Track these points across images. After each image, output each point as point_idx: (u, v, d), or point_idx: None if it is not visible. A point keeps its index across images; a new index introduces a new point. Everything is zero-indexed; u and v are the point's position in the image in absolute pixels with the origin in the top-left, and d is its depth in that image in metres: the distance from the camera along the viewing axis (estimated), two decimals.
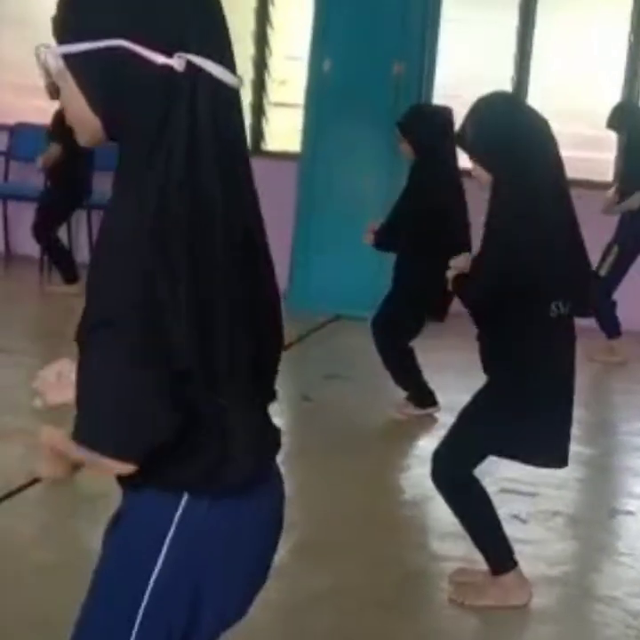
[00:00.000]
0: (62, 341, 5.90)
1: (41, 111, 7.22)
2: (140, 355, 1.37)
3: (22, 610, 3.03)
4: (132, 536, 1.54)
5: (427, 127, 5.01)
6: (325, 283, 7.06)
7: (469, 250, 4.73)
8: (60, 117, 7.04)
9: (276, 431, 1.61)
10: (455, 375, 5.60)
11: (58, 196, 7.20)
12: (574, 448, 4.76)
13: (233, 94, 1.45)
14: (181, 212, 1.36)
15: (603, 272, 6.35)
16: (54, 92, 1.47)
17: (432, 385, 5.19)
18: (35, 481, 3.84)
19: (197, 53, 1.39)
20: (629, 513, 4.23)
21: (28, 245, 7.70)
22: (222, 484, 1.48)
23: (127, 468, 1.42)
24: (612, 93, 6.61)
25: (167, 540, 1.49)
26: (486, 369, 3.26)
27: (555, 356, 3.17)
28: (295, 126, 7.47)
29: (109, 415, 1.40)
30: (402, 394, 5.19)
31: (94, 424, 1.42)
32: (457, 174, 4.99)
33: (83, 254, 7.50)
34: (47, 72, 1.46)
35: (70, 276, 7.14)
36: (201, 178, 1.38)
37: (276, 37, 7.89)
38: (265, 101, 7.94)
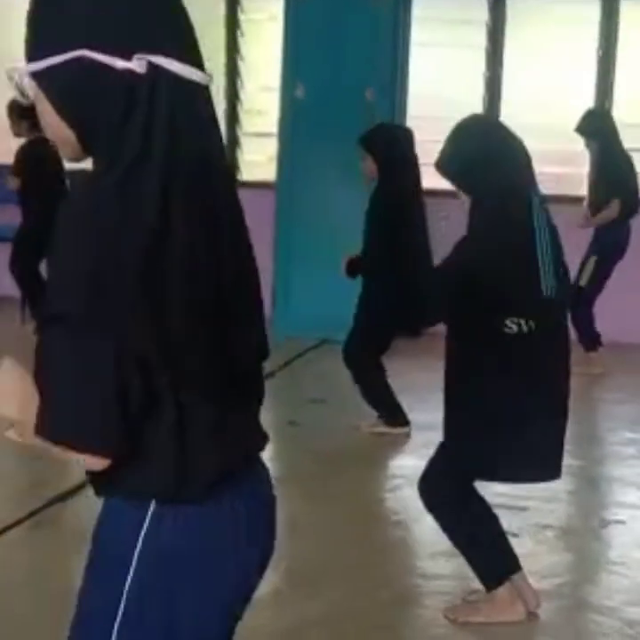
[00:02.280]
0: None
1: (10, 152, 7.23)
2: (101, 347, 1.35)
3: None
4: (105, 547, 1.53)
5: (393, 144, 5.06)
6: (309, 308, 7.08)
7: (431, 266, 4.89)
8: (21, 153, 7.13)
9: (259, 433, 1.60)
10: (429, 394, 5.64)
11: (30, 230, 7.12)
12: (564, 460, 4.82)
13: (200, 89, 1.45)
14: (147, 226, 1.36)
15: (583, 282, 6.40)
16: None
17: (407, 405, 5.21)
18: (18, 522, 3.80)
19: (158, 53, 1.40)
20: (620, 522, 4.25)
21: (7, 286, 7.67)
22: (187, 490, 1.46)
23: (103, 464, 1.39)
24: (583, 108, 6.66)
25: (134, 557, 1.47)
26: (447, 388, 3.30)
27: (513, 374, 3.17)
28: (272, 156, 7.54)
29: (77, 409, 1.37)
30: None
31: (63, 419, 1.38)
32: (419, 192, 5.05)
33: None
34: (23, 94, 1.46)
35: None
36: (154, 178, 1.38)
37: (250, 69, 7.94)
38: (239, 132, 7.99)
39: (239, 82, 7.94)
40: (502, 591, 3.30)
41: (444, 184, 3.31)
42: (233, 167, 1.65)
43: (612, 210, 6.44)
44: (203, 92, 1.47)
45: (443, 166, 3.24)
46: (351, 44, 7.08)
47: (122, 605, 1.48)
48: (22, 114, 6.92)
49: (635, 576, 3.71)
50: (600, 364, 6.60)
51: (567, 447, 5.02)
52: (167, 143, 1.39)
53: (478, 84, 7.58)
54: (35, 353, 1.40)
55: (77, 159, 1.50)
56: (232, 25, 7.83)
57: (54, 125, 1.46)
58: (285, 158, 7.36)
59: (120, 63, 1.38)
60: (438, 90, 7.55)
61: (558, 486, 4.52)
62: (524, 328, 3.12)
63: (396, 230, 4.89)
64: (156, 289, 1.37)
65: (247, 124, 8.00)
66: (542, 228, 3.17)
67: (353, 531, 4.05)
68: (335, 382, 5.84)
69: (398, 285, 4.65)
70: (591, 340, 6.60)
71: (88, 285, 1.34)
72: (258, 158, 8.00)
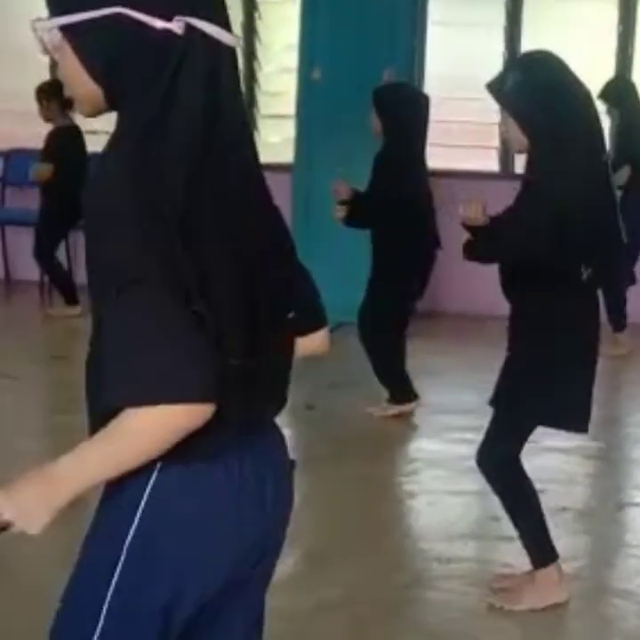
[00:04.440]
0: (66, 363, 5.93)
1: (36, 137, 7.26)
2: (176, 303, 1.35)
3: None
4: (109, 506, 1.52)
5: (401, 104, 4.99)
6: (326, 291, 7.01)
7: (436, 235, 4.89)
8: (53, 138, 7.12)
9: (277, 397, 1.60)
10: (445, 377, 5.64)
11: (52, 215, 7.18)
12: (580, 442, 4.81)
13: (231, 52, 1.48)
14: (178, 177, 1.38)
15: None
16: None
17: (423, 387, 5.20)
18: None
19: (194, 15, 1.41)
20: (638, 505, 4.24)
21: (28, 270, 7.71)
22: (194, 451, 1.43)
23: (208, 411, 1.36)
24: (601, 85, 6.60)
25: (139, 511, 1.46)
26: (515, 336, 3.19)
27: (584, 321, 3.11)
28: (290, 138, 7.51)
29: (170, 361, 1.34)
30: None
31: (155, 375, 1.34)
32: (423, 160, 5.06)
33: (82, 276, 7.49)
34: (45, 46, 1.45)
35: (71, 298, 7.16)
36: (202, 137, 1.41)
37: (267, 51, 7.90)
38: (256, 114, 7.97)
39: (256, 64, 7.91)
40: (548, 571, 3.23)
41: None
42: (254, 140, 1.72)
43: (620, 176, 6.16)
44: (234, 55, 1.49)
45: (509, 96, 3.04)
46: (369, 24, 7.02)
47: (122, 557, 1.47)
48: (50, 97, 6.88)
49: None
50: (626, 345, 6.49)
51: None
52: (197, 100, 1.41)
53: (497, 63, 7.52)
54: (103, 325, 1.39)
55: (94, 115, 1.51)
56: (250, 6, 7.79)
57: (78, 81, 1.45)
58: (303, 140, 7.33)
59: (159, 23, 1.39)
60: (456, 70, 7.50)
61: (576, 469, 4.53)
62: (588, 275, 3.02)
63: (399, 204, 4.84)
64: (193, 240, 1.38)
65: (264, 105, 7.97)
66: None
67: (369, 514, 4.05)
68: (353, 366, 5.84)
69: (401, 255, 4.81)
70: (620, 319, 6.50)
71: (146, 248, 1.35)
72: (275, 140, 7.98)
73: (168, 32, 1.40)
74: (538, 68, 3.09)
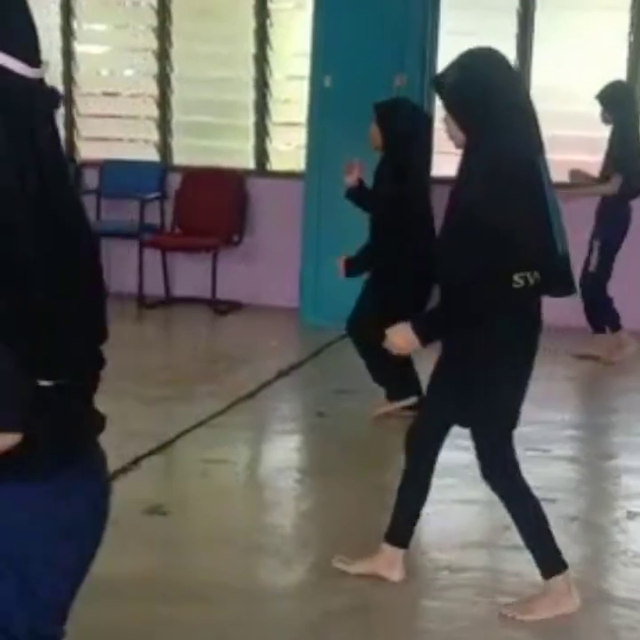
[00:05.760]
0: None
1: (129, 148, 7.38)
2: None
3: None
4: None
5: (403, 119, 5.06)
6: (337, 298, 7.06)
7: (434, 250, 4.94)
8: None
9: (95, 416, 1.57)
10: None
11: None
12: (588, 450, 4.81)
13: (28, 83, 1.42)
14: None
15: (591, 268, 6.25)
16: None
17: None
18: None
19: None
20: None
21: (127, 282, 7.61)
22: (21, 472, 1.45)
23: (12, 439, 1.37)
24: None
25: None
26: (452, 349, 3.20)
27: (524, 330, 3.11)
28: (301, 145, 7.52)
29: None
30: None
31: None
32: (424, 175, 5.17)
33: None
34: None
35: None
36: None
37: (277, 58, 7.92)
38: (268, 122, 7.98)
39: (268, 71, 7.93)
40: (559, 581, 3.24)
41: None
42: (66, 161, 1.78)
43: (611, 186, 6.13)
44: (34, 85, 1.45)
45: (446, 93, 3.07)
46: (380, 32, 7.05)
47: None
48: None
49: None
50: (630, 341, 6.45)
51: (590, 437, 5.02)
52: None
53: None
54: None
55: None
56: (262, 14, 7.82)
57: None
58: (314, 147, 7.34)
59: None
60: None
61: (584, 477, 4.51)
62: (530, 282, 2.93)
63: (397, 210, 4.91)
64: None
65: (275, 113, 7.98)
66: (550, 187, 3.01)
67: (378, 521, 4.03)
68: (363, 373, 5.83)
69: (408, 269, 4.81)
70: (613, 320, 6.46)
71: None
72: (286, 148, 7.99)
73: None
74: (475, 66, 3.05)
